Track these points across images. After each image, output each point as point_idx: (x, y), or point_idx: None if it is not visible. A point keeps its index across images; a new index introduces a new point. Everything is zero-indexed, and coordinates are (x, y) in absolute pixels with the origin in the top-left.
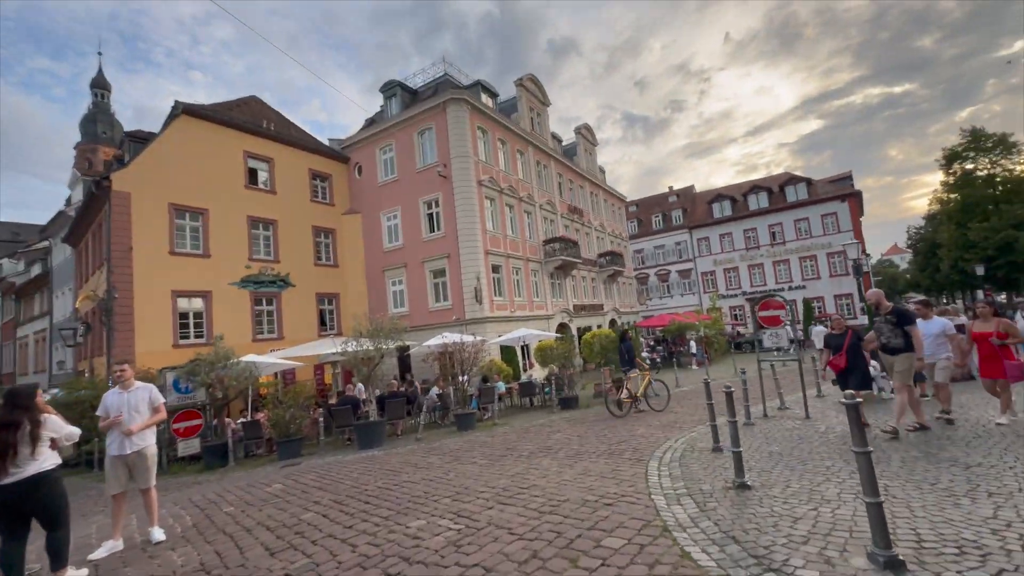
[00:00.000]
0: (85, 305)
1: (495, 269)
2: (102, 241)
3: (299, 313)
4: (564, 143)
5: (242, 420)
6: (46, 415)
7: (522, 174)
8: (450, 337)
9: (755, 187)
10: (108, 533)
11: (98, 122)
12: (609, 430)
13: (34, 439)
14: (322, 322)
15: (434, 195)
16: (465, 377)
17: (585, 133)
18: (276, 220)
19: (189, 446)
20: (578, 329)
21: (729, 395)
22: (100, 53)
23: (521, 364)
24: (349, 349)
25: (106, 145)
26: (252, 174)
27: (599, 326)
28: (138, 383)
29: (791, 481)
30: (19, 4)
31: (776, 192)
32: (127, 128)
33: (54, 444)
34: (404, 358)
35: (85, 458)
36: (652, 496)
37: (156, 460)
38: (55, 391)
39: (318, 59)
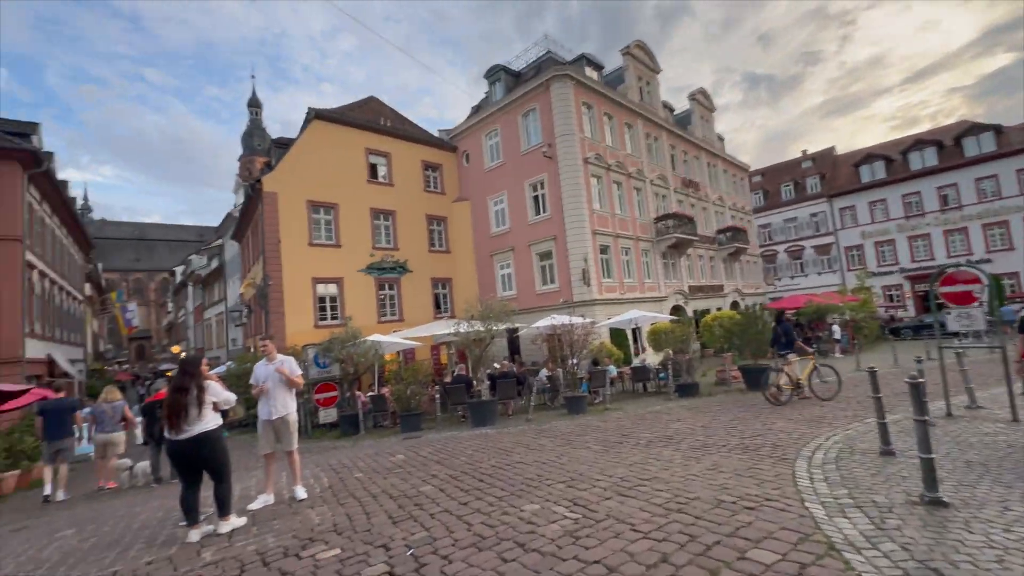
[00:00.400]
0: (248, 292)
1: (603, 250)
2: (258, 236)
3: (416, 297)
4: (676, 112)
5: (370, 394)
6: (209, 381)
7: (630, 148)
8: (559, 319)
9: (918, 142)
10: (263, 487)
11: (254, 136)
12: (740, 422)
13: (200, 402)
14: (437, 305)
15: (539, 177)
16: (574, 360)
17: (700, 99)
18: (394, 211)
19: (328, 415)
20: (694, 312)
21: (917, 387)
22: (253, 76)
23: (632, 348)
24: (461, 330)
25: (260, 155)
26: (373, 169)
27: (718, 308)
28: (280, 356)
29: (1010, 502)
30: (195, 43)
31: (949, 146)
32: (273, 137)
33: (216, 407)
34: (513, 340)
35: (253, 420)
36: (806, 504)
37: (297, 426)
38: (229, 363)
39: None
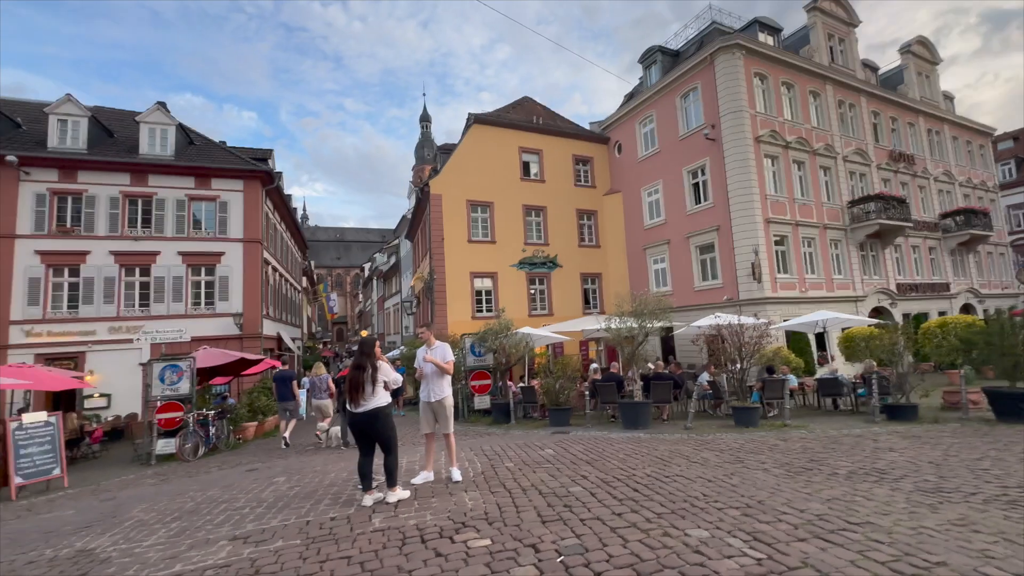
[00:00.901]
0: (417, 284)
1: (778, 241)
2: (426, 235)
3: (565, 291)
4: (882, 71)
5: (521, 385)
6: (380, 362)
7: (816, 120)
8: (725, 318)
9: None
10: (424, 464)
11: (424, 147)
12: (993, 463)
13: (373, 380)
14: (586, 300)
15: (700, 162)
16: (743, 365)
17: (918, 51)
18: (545, 206)
19: (482, 401)
20: (904, 316)
21: None
22: (424, 95)
23: (815, 356)
24: (612, 326)
25: (429, 163)
26: (525, 167)
27: (941, 312)
28: (437, 343)
29: None
30: (381, 72)
31: None
32: (438, 144)
33: (386, 386)
34: (667, 339)
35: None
36: None
37: (453, 410)
38: (402, 348)
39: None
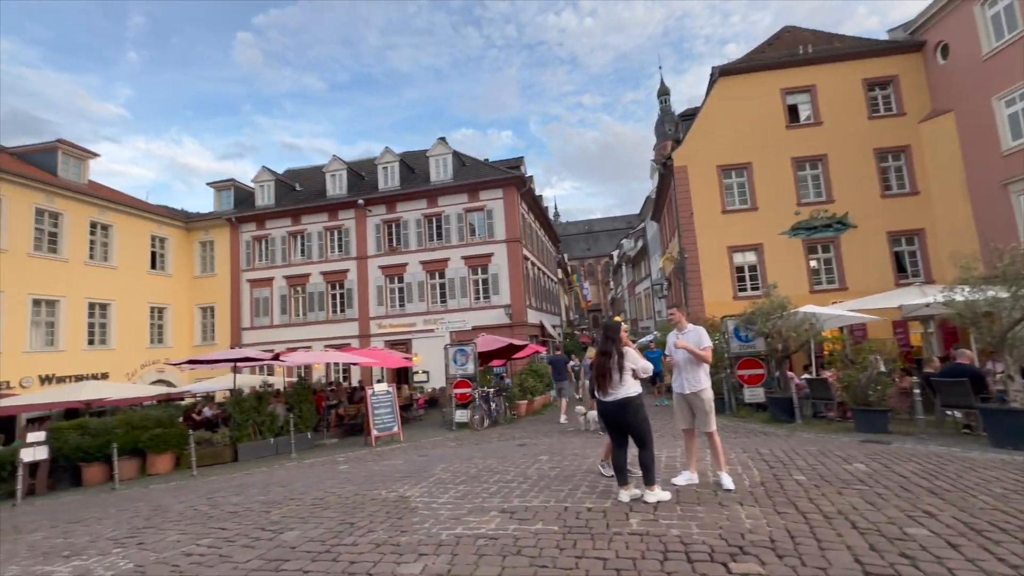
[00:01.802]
0: (667, 266)
1: None
2: (672, 212)
3: (865, 258)
4: None
5: (806, 376)
6: (627, 348)
7: None
8: None
9: None
10: (686, 463)
11: (665, 123)
12: None
13: (620, 368)
14: (899, 267)
15: None
16: None
17: None
18: (824, 155)
19: (754, 394)
20: None
21: None
22: (660, 67)
23: None
24: (957, 299)
25: (671, 139)
26: (792, 111)
27: None
28: (690, 326)
29: None
30: (613, 60)
31: None
32: (678, 114)
33: (634, 375)
34: None
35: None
36: None
37: (713, 406)
38: (656, 333)
39: None
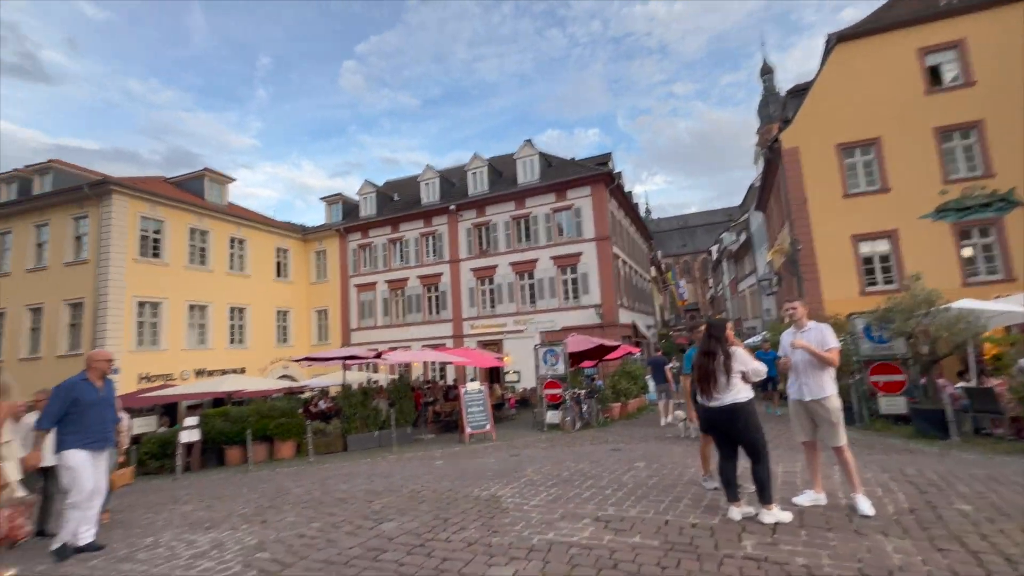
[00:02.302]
0: (776, 259)
1: None
2: (781, 200)
3: None
4: None
5: (963, 384)
6: (736, 348)
7: None
8: None
9: None
10: (810, 481)
11: (768, 104)
12: None
13: (727, 369)
14: None
15: None
16: None
17: None
18: (980, 121)
19: (892, 404)
20: None
21: None
22: (763, 44)
23: None
24: None
25: (775, 121)
26: (933, 74)
27: None
28: (811, 323)
29: None
30: (707, 42)
31: None
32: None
33: (744, 377)
34: None
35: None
36: None
37: (841, 417)
38: (764, 333)
39: None
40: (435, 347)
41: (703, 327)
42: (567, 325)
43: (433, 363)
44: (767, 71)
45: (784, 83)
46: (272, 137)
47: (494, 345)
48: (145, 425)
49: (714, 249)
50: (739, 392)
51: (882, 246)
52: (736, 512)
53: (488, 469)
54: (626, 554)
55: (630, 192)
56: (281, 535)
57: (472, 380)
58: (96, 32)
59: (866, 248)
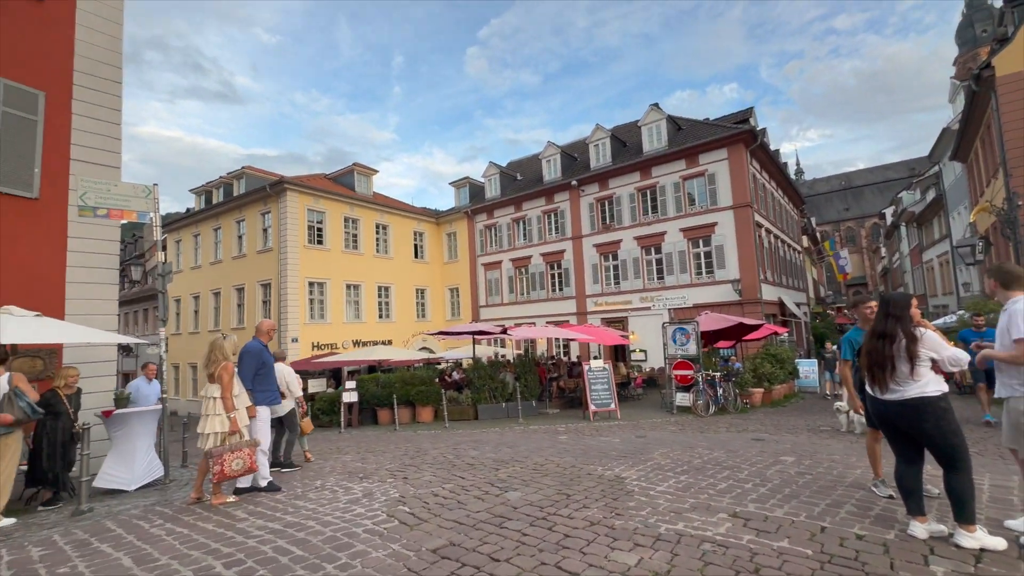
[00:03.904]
0: (982, 219)
1: None
2: (991, 144)
3: None
4: None
5: None
6: (925, 331)
7: None
8: None
9: None
10: None
11: (974, 23)
12: None
13: (910, 356)
14: None
15: None
16: None
17: None
18: None
19: None
20: None
21: None
22: None
23: None
24: None
25: (984, 44)
26: None
27: None
28: (1014, 300)
29: None
30: None
31: None
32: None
33: (936, 367)
34: None
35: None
36: None
37: None
38: (960, 312)
39: None
40: (558, 324)
41: (870, 304)
42: (699, 302)
43: (557, 339)
44: None
45: None
46: (407, 130)
47: (618, 323)
48: (317, 386)
49: (888, 212)
50: (928, 383)
51: None
52: (920, 529)
53: (612, 448)
54: (770, 559)
55: (776, 151)
56: (419, 492)
57: (595, 358)
58: (269, 55)
59: None
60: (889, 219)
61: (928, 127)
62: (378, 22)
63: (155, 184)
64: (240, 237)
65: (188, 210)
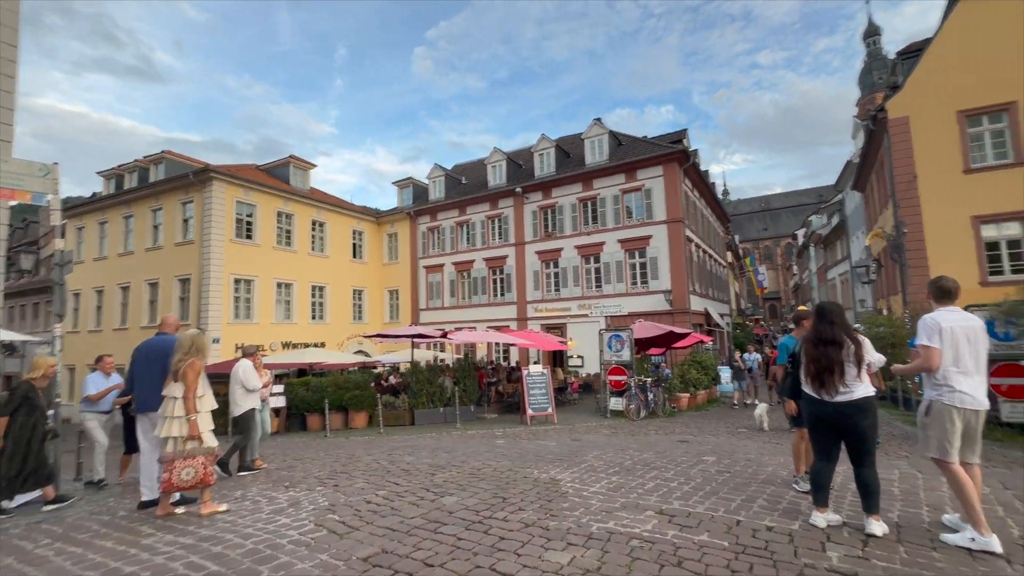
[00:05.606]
0: (875, 244)
1: None
2: (884, 178)
3: None
4: None
5: None
6: (862, 336)
7: None
8: None
9: None
10: (967, 513)
11: (873, 71)
12: None
13: (858, 360)
14: None
15: None
16: None
17: None
18: None
19: (1016, 410)
20: None
21: None
22: (867, 1)
23: None
24: None
25: (880, 90)
26: None
27: None
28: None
29: None
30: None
31: None
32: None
33: (869, 368)
34: None
35: (890, 393)
36: None
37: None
38: (857, 326)
39: None
40: (499, 329)
41: (812, 317)
42: (634, 310)
43: (497, 344)
44: (872, 33)
45: (893, 46)
46: (348, 125)
47: (558, 329)
48: None
49: (800, 233)
50: (867, 385)
51: (1012, 229)
52: (820, 519)
53: (548, 452)
54: (691, 552)
55: (706, 172)
56: (350, 499)
57: (535, 363)
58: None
59: (990, 231)
60: (801, 240)
61: (835, 159)
62: (319, 11)
63: (55, 163)
64: (156, 227)
65: (94, 194)
